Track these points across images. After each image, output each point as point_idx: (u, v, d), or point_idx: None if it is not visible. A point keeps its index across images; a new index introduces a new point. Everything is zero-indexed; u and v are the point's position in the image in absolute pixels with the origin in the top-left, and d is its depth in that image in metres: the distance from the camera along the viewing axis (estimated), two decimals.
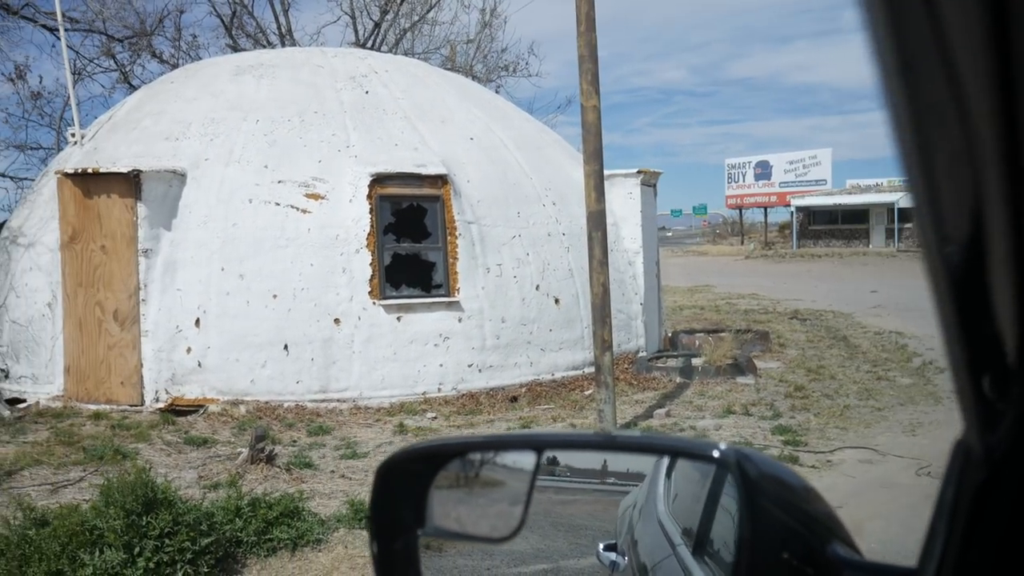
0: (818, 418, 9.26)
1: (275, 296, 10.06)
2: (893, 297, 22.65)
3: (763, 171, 59.64)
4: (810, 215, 54.47)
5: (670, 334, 14.47)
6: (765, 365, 12.30)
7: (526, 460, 1.29)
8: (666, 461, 2.35)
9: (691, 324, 17.08)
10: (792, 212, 55.16)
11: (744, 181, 60.78)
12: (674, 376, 11.39)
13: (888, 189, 51.60)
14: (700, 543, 1.63)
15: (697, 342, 13.50)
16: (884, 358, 13.07)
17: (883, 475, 7.23)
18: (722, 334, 13.82)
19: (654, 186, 13.54)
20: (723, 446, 1.01)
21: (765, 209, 61.72)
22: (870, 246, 50.23)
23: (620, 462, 2.22)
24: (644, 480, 2.86)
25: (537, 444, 1.31)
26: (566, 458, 1.57)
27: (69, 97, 12.62)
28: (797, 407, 9.79)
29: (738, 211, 66.10)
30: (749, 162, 60.92)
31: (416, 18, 23.36)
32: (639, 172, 12.80)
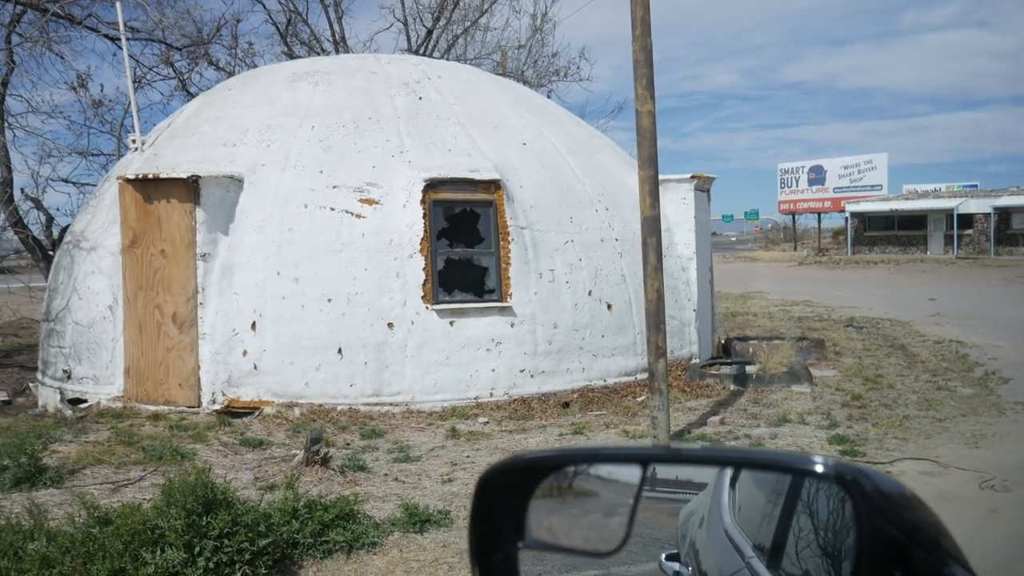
0: (877, 428, 9.09)
1: (329, 300, 10.16)
2: (953, 305, 22.21)
3: (817, 176, 58.86)
4: (865, 221, 53.63)
5: (723, 341, 14.32)
6: (821, 373, 12.12)
7: (624, 472, 1.28)
8: (729, 472, 2.31)
9: (744, 331, 16.89)
10: (847, 218, 54.38)
11: (797, 186, 60.03)
12: (728, 383, 11.27)
13: (947, 195, 50.66)
14: (776, 556, 1.60)
15: (751, 349, 13.35)
16: (944, 368, 12.80)
17: (945, 488, 7.07)
18: (776, 341, 13.66)
19: (708, 191, 13.43)
20: (828, 460, 0.99)
21: (819, 215, 60.93)
22: (928, 253, 49.30)
23: (673, 471, 2.18)
24: (705, 490, 2.82)
25: (643, 457, 1.29)
26: (629, 472, 1.54)
27: (130, 104, 12.89)
28: (855, 416, 9.62)
29: (791, 216, 65.32)
30: (803, 167, 60.16)
31: (468, 24, 23.46)
32: (693, 177, 12.70)
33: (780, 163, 63.38)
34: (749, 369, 11.65)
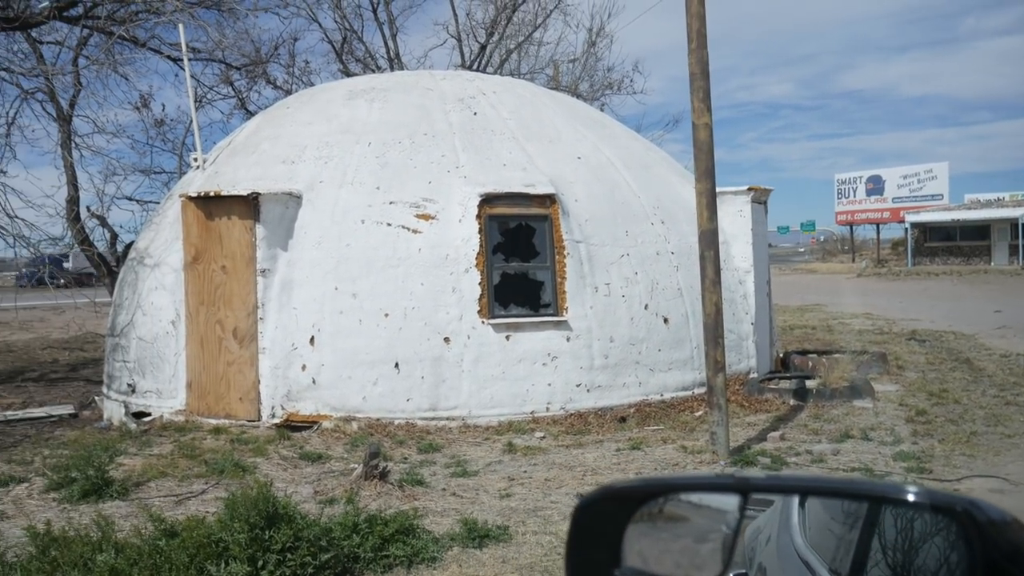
0: (943, 444, 8.88)
1: (386, 315, 10.24)
2: (1019, 318, 21.65)
3: (875, 186, 57.95)
4: (926, 231, 52.62)
5: (782, 355, 14.13)
6: (883, 388, 11.88)
7: (715, 499, 1.27)
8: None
9: (803, 344, 16.64)
10: (906, 228, 53.41)
11: (855, 196, 59.17)
12: (787, 398, 11.11)
13: (1011, 204, 49.45)
14: None
15: (811, 363, 13.14)
16: (1012, 382, 12.46)
17: (1016, 506, 6.85)
18: (837, 355, 13.43)
19: (764, 203, 13.29)
20: (931, 491, 0.97)
21: (877, 225, 59.93)
22: (992, 263, 48.16)
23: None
24: (772, 507, 2.77)
25: (741, 487, 1.28)
26: (722, 499, 1.52)
27: (191, 123, 13.17)
28: (919, 432, 9.41)
29: (849, 228, 64.34)
30: (860, 177, 59.28)
31: (521, 39, 23.57)
32: (749, 189, 12.58)
33: (837, 173, 62.61)
34: (809, 384, 11.47)
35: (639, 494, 1.30)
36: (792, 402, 10.96)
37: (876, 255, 60.11)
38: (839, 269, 56.34)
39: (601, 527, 1.22)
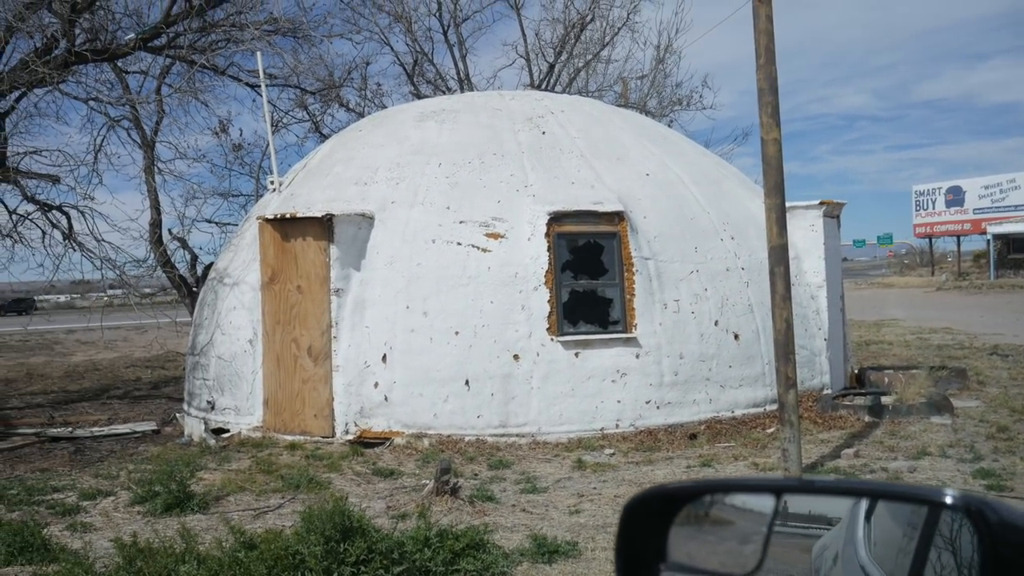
0: None
1: (457, 333, 10.37)
2: None
3: (955, 197, 56.42)
4: (1009, 243, 51.03)
5: (857, 371, 13.88)
6: (963, 404, 11.59)
7: (757, 502, 1.34)
8: (864, 504, 2.30)
9: (879, 360, 16.31)
10: (989, 240, 51.87)
11: (934, 208, 57.69)
12: (862, 415, 10.91)
13: None
14: None
15: (887, 379, 12.88)
16: None
17: None
18: (914, 371, 13.15)
19: (837, 217, 13.11)
20: (956, 492, 1.02)
21: (958, 237, 58.29)
22: None
23: (804, 504, 2.19)
24: (839, 524, 2.79)
25: (777, 488, 1.35)
26: (754, 497, 1.59)
27: (268, 147, 13.55)
28: (1001, 449, 9.16)
29: (927, 240, 62.71)
30: (939, 188, 57.80)
31: (590, 57, 23.65)
32: (821, 204, 12.43)
33: (915, 184, 61.05)
34: (885, 400, 11.25)
35: (680, 494, 1.38)
36: (867, 419, 10.77)
37: (956, 268, 58.47)
38: (918, 283, 54.96)
39: (648, 525, 1.30)
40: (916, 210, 58.95)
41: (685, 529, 1.40)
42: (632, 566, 1.33)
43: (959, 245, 59.73)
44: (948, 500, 1.05)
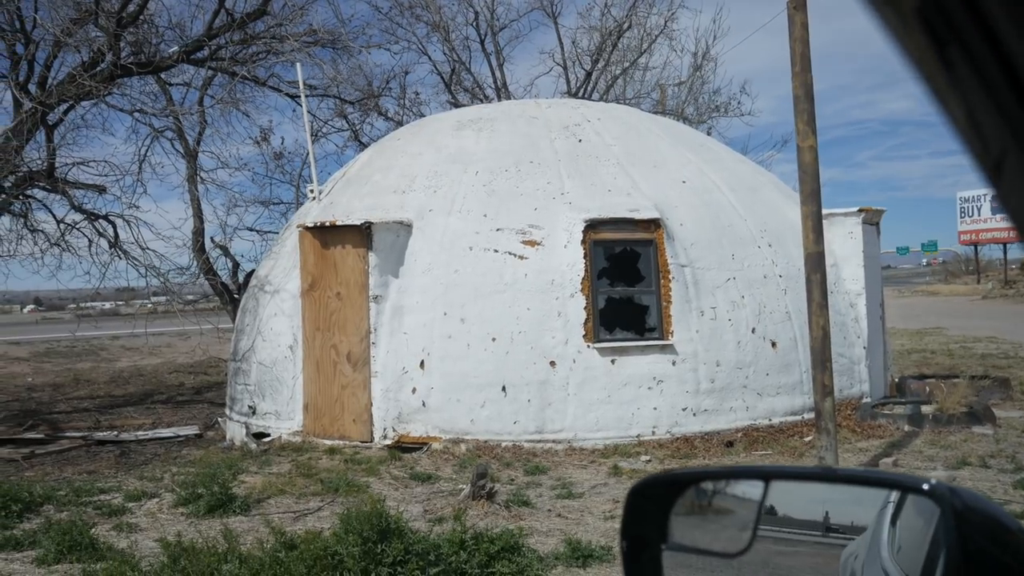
0: None
1: (494, 339, 10.46)
2: None
3: None
4: None
5: (897, 379, 13.74)
6: (1005, 414, 11.44)
7: (753, 491, 1.41)
8: (891, 510, 2.34)
9: (920, 369, 16.14)
10: None
11: (979, 215, 56.80)
12: (901, 424, 10.82)
13: None
14: None
15: (927, 388, 12.74)
16: None
17: None
18: (956, 380, 12.99)
19: (877, 224, 13.01)
20: (934, 481, 1.08)
21: (1004, 245, 57.28)
22: None
23: (844, 514, 2.24)
24: (867, 531, 2.83)
25: (764, 474, 1.43)
26: (786, 506, 1.65)
27: (308, 156, 13.76)
28: None
29: (973, 247, 61.71)
30: (985, 195, 56.84)
31: (627, 64, 23.69)
32: (860, 211, 12.35)
33: (960, 191, 60.11)
34: (925, 409, 11.14)
35: (681, 479, 1.46)
36: (907, 428, 10.68)
37: (1003, 276, 57.47)
38: (962, 291, 54.09)
39: (650, 509, 1.39)
40: (961, 217, 58.11)
41: (689, 519, 1.50)
42: (636, 545, 1.42)
43: (1006, 253, 58.68)
44: (924, 487, 1.11)
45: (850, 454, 9.49)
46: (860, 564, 2.69)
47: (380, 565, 4.98)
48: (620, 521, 1.48)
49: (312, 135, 13.98)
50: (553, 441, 10.28)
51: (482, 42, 23.32)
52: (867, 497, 2.40)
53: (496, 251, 10.80)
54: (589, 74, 23.43)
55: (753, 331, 10.99)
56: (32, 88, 13.76)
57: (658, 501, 1.45)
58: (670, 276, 10.76)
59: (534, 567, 5.81)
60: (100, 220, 14.42)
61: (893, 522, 2.46)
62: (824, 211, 9.04)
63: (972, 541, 0.98)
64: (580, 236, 10.74)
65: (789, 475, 1.64)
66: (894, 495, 2.45)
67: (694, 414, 10.57)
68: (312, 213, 12.24)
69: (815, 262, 8.33)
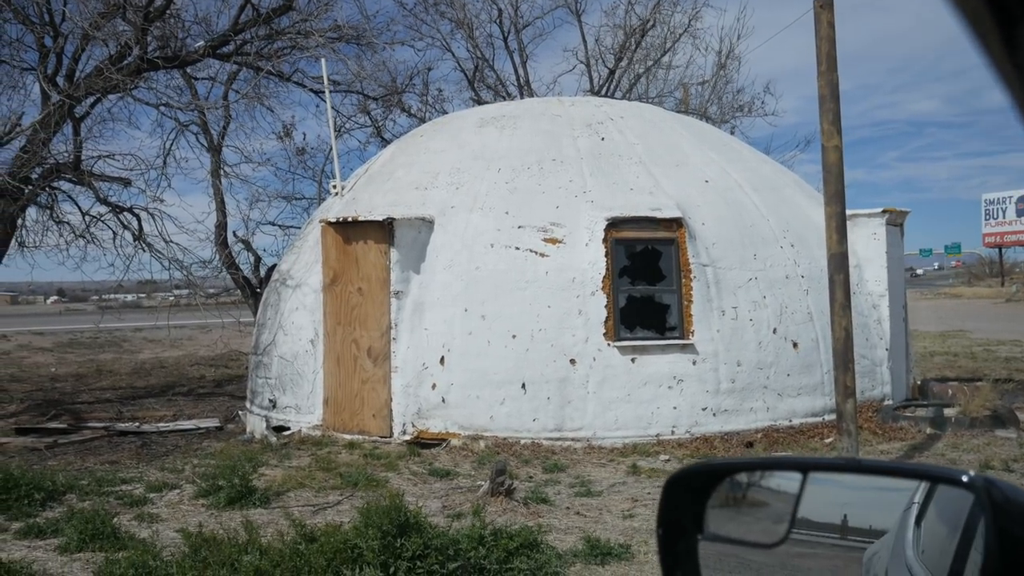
0: None
1: (514, 336, 10.47)
2: None
3: None
4: None
5: (919, 382, 13.64)
6: None
7: (788, 483, 1.42)
8: (915, 511, 2.33)
9: (943, 372, 16.02)
10: None
11: (1004, 217, 56.30)
12: (924, 427, 10.74)
13: None
14: None
15: (950, 391, 12.64)
16: None
17: None
18: (979, 383, 12.89)
19: (901, 226, 12.92)
20: (972, 472, 1.08)
21: None
22: None
23: (863, 518, 2.24)
24: (890, 532, 2.82)
25: (802, 465, 1.44)
26: (805, 509, 1.66)
27: (331, 151, 13.83)
28: None
29: (997, 250, 61.13)
30: (1010, 197, 56.38)
31: (650, 63, 23.62)
32: (884, 212, 12.26)
33: (984, 193, 59.59)
34: (947, 412, 11.06)
35: (718, 470, 1.47)
36: (929, 431, 10.60)
37: None
38: (986, 294, 53.56)
39: (686, 499, 1.40)
40: (986, 219, 57.61)
41: (724, 510, 1.50)
42: (672, 534, 1.42)
43: None
44: (964, 479, 1.11)
45: (871, 456, 9.43)
46: (883, 566, 2.68)
47: (399, 559, 5.00)
48: (657, 509, 1.49)
49: (335, 131, 14.03)
50: (572, 439, 10.28)
51: (505, 39, 23.33)
52: (888, 499, 2.39)
53: (517, 248, 10.81)
54: (612, 72, 23.38)
55: (774, 331, 10.94)
56: (60, 81, 13.89)
57: (695, 491, 1.46)
58: (691, 275, 10.73)
59: (552, 564, 5.81)
60: (125, 213, 14.55)
61: (918, 523, 2.45)
62: (848, 212, 8.98)
63: (1011, 532, 0.98)
64: (602, 234, 10.73)
65: (827, 467, 1.64)
66: (919, 495, 2.44)
67: (714, 414, 10.54)
68: (334, 208, 12.29)
69: (839, 263, 8.28)
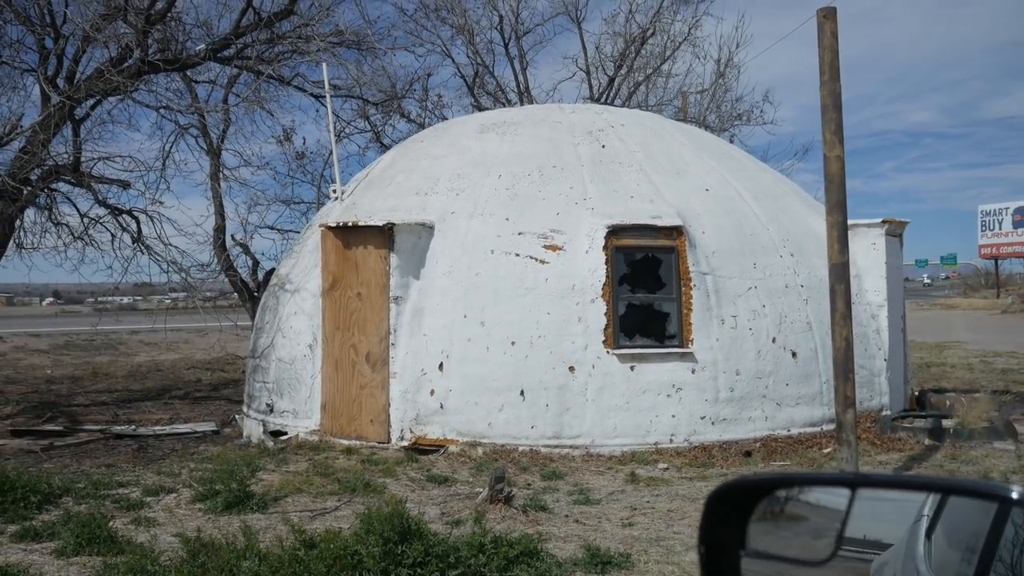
0: None
1: (513, 343, 10.45)
2: None
3: (1023, 218, 55.11)
4: None
5: (917, 393, 13.64)
6: None
7: (828, 497, 1.40)
8: (924, 523, 2.32)
9: (940, 383, 16.03)
10: None
11: (1000, 229, 56.43)
12: (922, 438, 10.73)
13: None
14: None
15: (948, 402, 12.64)
16: None
17: None
18: (976, 394, 12.89)
19: (900, 236, 12.93)
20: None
21: None
22: None
23: (860, 527, 2.22)
24: (898, 544, 2.81)
25: (851, 482, 1.41)
26: (835, 498, 1.64)
27: (330, 156, 13.81)
28: None
29: (993, 261, 61.25)
30: (1006, 208, 56.52)
31: (650, 71, 23.65)
32: (884, 222, 12.27)
33: (980, 204, 59.69)
34: (946, 423, 11.05)
35: (762, 484, 1.45)
36: (927, 442, 10.59)
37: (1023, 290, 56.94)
38: (982, 305, 53.63)
39: (729, 514, 1.37)
40: (982, 230, 57.73)
41: (762, 524, 1.48)
42: (714, 551, 1.40)
43: None
44: (1014, 495, 1.10)
45: (869, 467, 9.43)
46: (891, 574, 2.66)
47: (400, 566, 4.98)
48: (699, 526, 1.47)
49: (335, 135, 14.01)
50: (570, 447, 10.26)
51: (506, 46, 23.35)
52: (890, 512, 2.38)
53: (517, 255, 10.80)
54: (612, 80, 23.41)
55: (773, 341, 10.94)
56: (60, 83, 13.86)
57: (738, 507, 1.44)
58: (691, 284, 10.73)
59: (553, 572, 5.79)
60: (124, 215, 14.51)
61: (928, 536, 2.44)
62: (848, 222, 8.97)
63: None
64: (602, 242, 10.72)
65: (876, 483, 1.62)
66: (927, 509, 2.43)
67: (712, 423, 10.53)
68: (334, 213, 12.27)
69: (840, 272, 8.28)
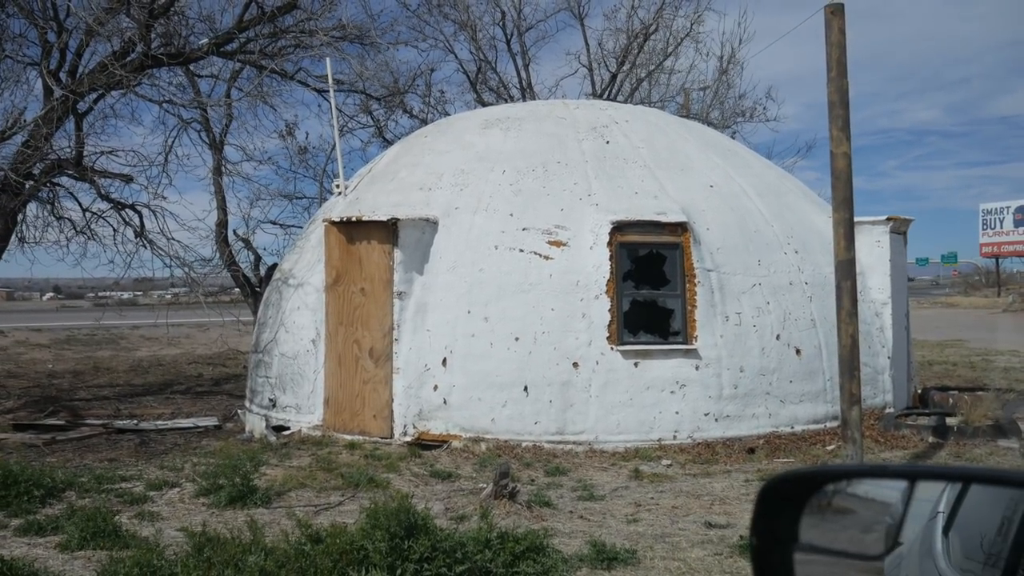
0: None
1: (517, 339, 10.43)
2: None
3: None
4: None
5: (920, 391, 13.63)
6: None
7: (877, 490, 1.38)
8: (941, 520, 2.31)
9: (943, 381, 16.02)
10: None
11: (1002, 227, 56.48)
12: (926, 435, 10.72)
13: None
14: None
15: (951, 400, 12.62)
16: None
17: None
18: (980, 392, 12.88)
19: (904, 234, 12.90)
20: None
21: None
22: None
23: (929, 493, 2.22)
24: (911, 541, 2.79)
25: (910, 474, 1.40)
26: (886, 491, 1.62)
27: (333, 151, 13.79)
28: None
29: (994, 260, 61.27)
30: (1008, 207, 56.57)
31: (652, 67, 23.61)
32: (888, 219, 12.24)
33: (982, 203, 59.73)
34: (950, 421, 11.03)
35: (815, 476, 1.43)
36: (931, 439, 10.58)
37: None
38: (982, 303, 53.63)
39: (782, 507, 1.35)
40: (983, 229, 57.79)
41: (810, 517, 1.47)
42: (766, 543, 1.38)
43: None
44: None
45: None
46: (907, 572, 2.64)
47: (407, 561, 4.96)
48: (751, 518, 1.45)
49: (338, 130, 13.98)
50: (574, 443, 10.24)
51: (508, 42, 23.31)
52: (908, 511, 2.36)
53: (521, 251, 10.77)
54: (614, 76, 23.36)
55: (778, 338, 10.92)
56: (63, 76, 13.83)
57: (791, 499, 1.42)
58: (696, 280, 10.71)
59: (559, 568, 5.78)
60: (126, 209, 14.49)
61: (945, 532, 2.42)
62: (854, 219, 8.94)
63: None
64: (606, 238, 10.70)
65: (935, 475, 1.60)
66: (943, 505, 2.41)
67: (716, 420, 10.51)
68: (338, 208, 12.24)
69: (846, 269, 8.26)
